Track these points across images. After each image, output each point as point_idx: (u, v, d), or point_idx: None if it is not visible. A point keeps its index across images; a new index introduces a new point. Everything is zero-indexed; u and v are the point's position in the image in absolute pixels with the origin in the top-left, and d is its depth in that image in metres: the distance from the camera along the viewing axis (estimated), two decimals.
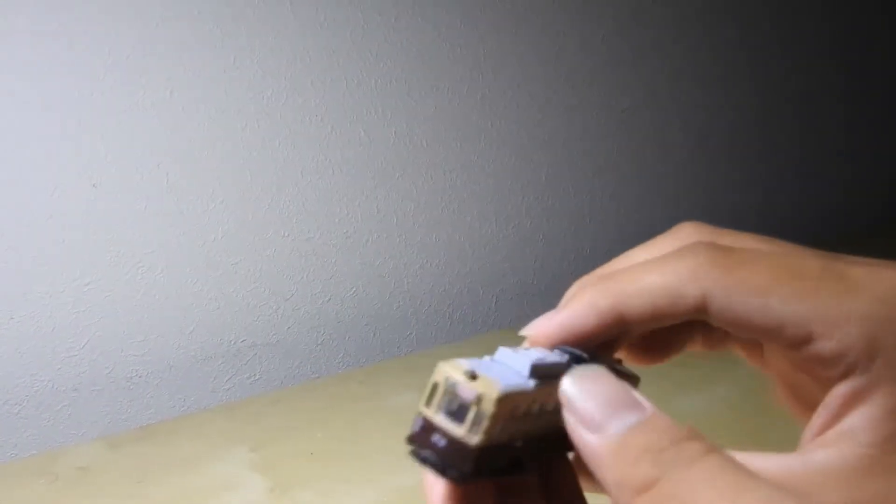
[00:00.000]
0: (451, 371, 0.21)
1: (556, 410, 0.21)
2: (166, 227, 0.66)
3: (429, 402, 0.21)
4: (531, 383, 0.21)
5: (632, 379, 0.25)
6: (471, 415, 0.20)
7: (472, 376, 0.20)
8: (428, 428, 0.21)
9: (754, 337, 0.23)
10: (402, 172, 0.80)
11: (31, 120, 0.59)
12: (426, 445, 0.21)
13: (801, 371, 0.24)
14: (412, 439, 0.21)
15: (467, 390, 0.20)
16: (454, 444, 0.20)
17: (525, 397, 0.21)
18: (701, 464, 0.19)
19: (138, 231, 0.65)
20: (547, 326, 0.24)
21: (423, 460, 0.21)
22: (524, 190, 0.89)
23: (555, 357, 0.23)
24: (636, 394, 0.21)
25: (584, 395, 0.21)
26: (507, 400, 0.20)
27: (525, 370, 0.21)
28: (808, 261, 0.23)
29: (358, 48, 0.75)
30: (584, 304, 0.24)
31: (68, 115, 0.61)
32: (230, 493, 0.46)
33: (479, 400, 0.20)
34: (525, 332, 0.25)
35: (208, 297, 0.69)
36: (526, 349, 0.23)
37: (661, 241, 0.26)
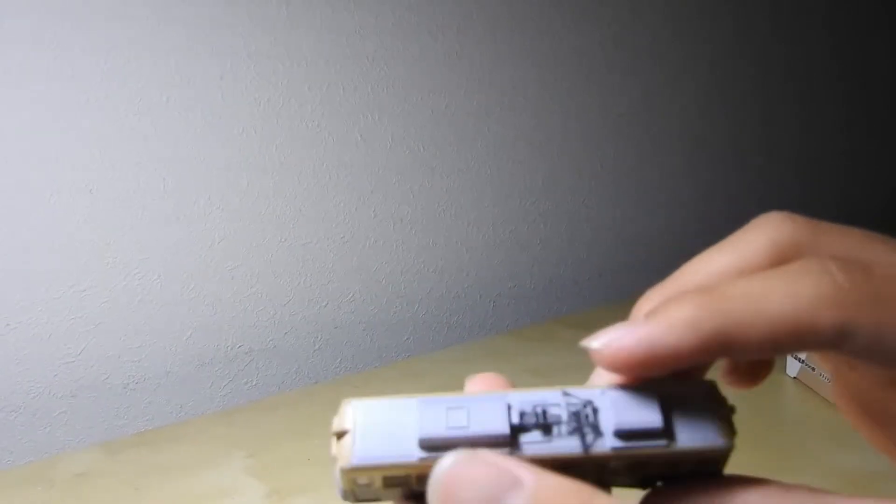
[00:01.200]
0: (344, 417, 0.20)
1: None
2: (163, 233, 0.66)
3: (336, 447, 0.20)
4: (416, 455, 0.18)
5: (725, 409, 0.20)
6: (336, 472, 0.19)
7: (340, 435, 0.19)
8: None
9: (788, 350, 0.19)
10: (399, 177, 0.80)
11: (27, 125, 0.59)
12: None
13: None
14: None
15: (332, 451, 0.19)
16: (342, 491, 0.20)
17: (400, 468, 0.19)
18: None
19: (135, 237, 0.65)
20: (626, 342, 0.19)
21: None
22: (521, 194, 0.89)
23: (555, 401, 0.19)
24: (516, 467, 0.17)
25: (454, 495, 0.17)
26: (361, 471, 0.19)
27: (415, 439, 0.19)
28: None
29: (354, 52, 0.75)
30: (681, 320, 0.19)
31: (65, 120, 0.61)
32: (227, 499, 0.46)
33: (335, 461, 0.19)
34: (592, 344, 0.19)
35: (205, 302, 0.69)
36: (521, 392, 0.19)
37: (749, 241, 0.21)
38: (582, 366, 0.22)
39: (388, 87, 0.78)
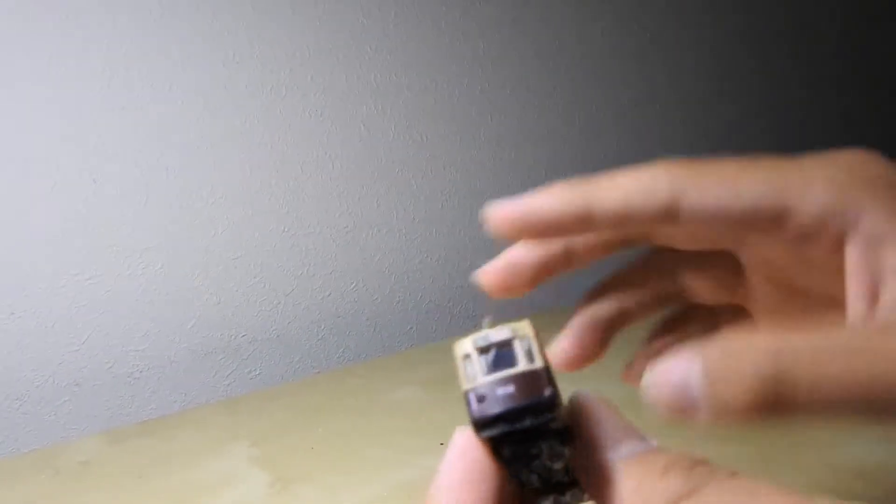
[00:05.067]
0: (472, 337, 0.20)
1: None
2: (166, 223, 0.66)
3: (469, 376, 0.19)
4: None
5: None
6: (520, 349, 0.19)
7: (492, 325, 0.20)
8: (482, 397, 0.19)
9: (732, 228, 0.23)
10: (402, 167, 0.80)
11: (30, 116, 0.59)
12: (494, 405, 0.18)
13: (795, 259, 0.24)
14: (480, 423, 0.19)
15: (501, 333, 0.19)
16: (524, 376, 0.19)
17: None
18: (737, 482, 0.17)
19: (138, 226, 0.65)
20: (510, 210, 0.24)
21: (502, 421, 0.18)
22: (524, 185, 0.89)
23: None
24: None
25: (602, 411, 0.19)
26: (542, 347, 0.19)
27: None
28: (768, 159, 0.24)
29: (357, 43, 0.75)
30: (551, 193, 0.24)
31: (68, 110, 0.60)
32: (231, 488, 0.46)
33: (515, 333, 0.19)
34: (487, 213, 0.25)
35: (209, 292, 0.69)
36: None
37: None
38: None
39: (391, 77, 0.78)
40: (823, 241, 0.23)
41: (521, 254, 0.26)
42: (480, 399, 0.19)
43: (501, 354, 0.19)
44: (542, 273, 0.26)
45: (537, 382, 0.19)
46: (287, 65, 0.71)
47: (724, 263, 0.27)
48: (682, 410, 0.19)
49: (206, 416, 0.58)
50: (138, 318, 0.66)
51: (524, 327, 0.20)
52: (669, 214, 0.23)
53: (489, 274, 0.27)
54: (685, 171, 0.24)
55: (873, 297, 0.22)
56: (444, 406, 0.55)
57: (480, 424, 0.19)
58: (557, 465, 0.20)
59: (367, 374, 0.65)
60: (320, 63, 0.73)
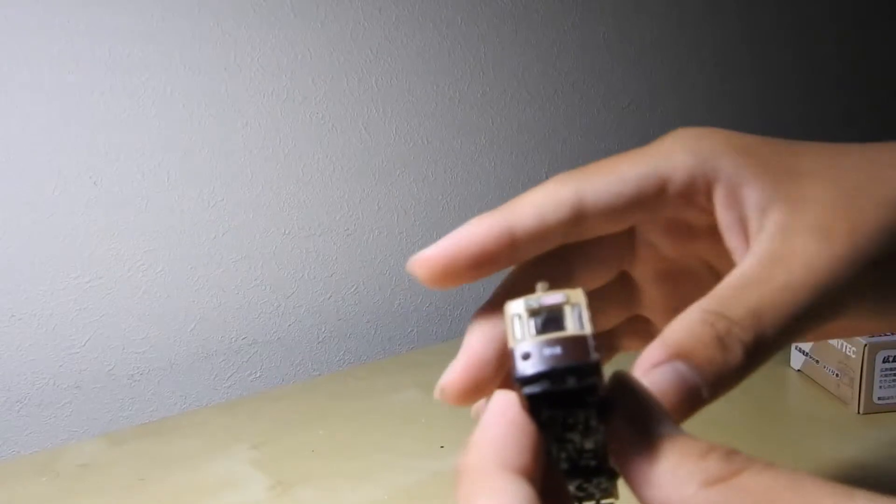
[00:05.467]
0: (524, 298, 0.20)
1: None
2: (167, 225, 0.66)
3: (517, 335, 0.20)
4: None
5: None
6: (570, 314, 0.20)
7: (546, 290, 0.20)
8: (528, 354, 0.19)
9: (628, 214, 0.26)
10: (403, 169, 0.80)
11: (31, 118, 0.59)
12: (540, 364, 0.19)
13: (679, 238, 0.28)
14: (523, 380, 0.19)
15: (554, 297, 0.20)
16: (570, 343, 0.19)
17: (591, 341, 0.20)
18: (776, 471, 0.18)
19: (139, 228, 0.65)
20: (435, 255, 0.26)
21: (552, 389, 0.19)
22: (525, 186, 0.89)
23: None
24: None
25: (643, 391, 0.20)
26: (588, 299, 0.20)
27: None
28: (634, 148, 0.28)
29: (358, 45, 0.75)
30: (470, 228, 0.26)
31: (68, 112, 0.61)
32: (231, 490, 0.46)
33: (568, 299, 0.20)
34: (411, 264, 0.26)
35: (209, 294, 0.69)
36: None
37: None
38: None
39: (392, 78, 0.78)
40: (698, 199, 0.26)
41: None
42: (525, 357, 0.19)
43: (552, 317, 0.20)
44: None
45: (584, 346, 0.19)
46: (288, 68, 0.71)
47: (619, 289, 0.30)
48: (692, 402, 0.21)
49: (206, 418, 0.58)
50: (139, 321, 0.66)
51: (577, 294, 0.20)
52: (578, 217, 0.25)
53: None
54: (578, 176, 0.26)
55: (745, 234, 0.25)
56: (444, 409, 0.55)
57: (523, 381, 0.19)
58: (589, 445, 0.20)
59: (368, 376, 0.65)
60: (322, 67, 0.73)
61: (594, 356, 0.19)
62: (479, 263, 0.25)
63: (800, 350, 0.61)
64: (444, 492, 0.44)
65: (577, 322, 0.19)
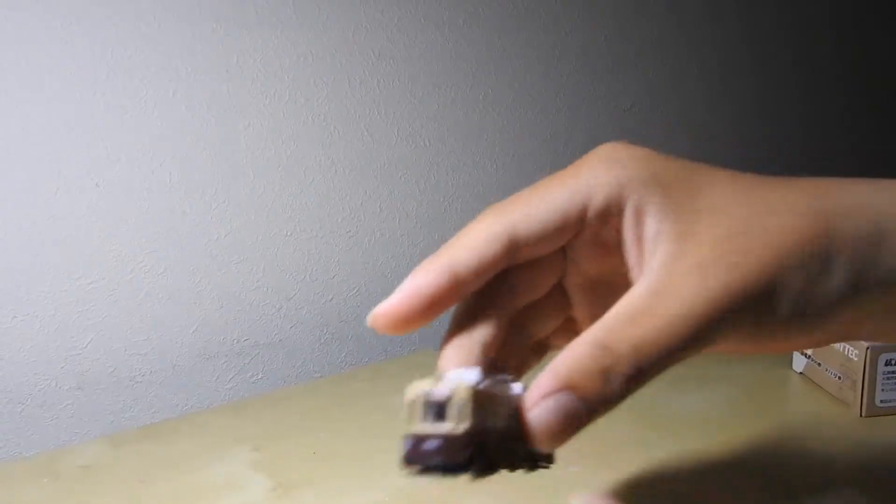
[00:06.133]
0: (419, 386, 0.24)
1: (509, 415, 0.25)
2: (169, 227, 0.66)
3: (410, 421, 0.24)
4: (485, 381, 0.25)
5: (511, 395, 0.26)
6: (452, 409, 0.23)
7: (438, 380, 0.24)
8: (418, 442, 0.23)
9: (556, 239, 0.29)
10: (405, 171, 0.80)
11: (33, 120, 0.59)
12: (420, 457, 0.23)
13: (599, 255, 0.31)
14: (407, 460, 0.23)
15: (441, 392, 0.23)
16: (447, 439, 0.23)
17: (492, 396, 0.24)
18: None
19: (141, 230, 0.65)
20: (391, 308, 0.29)
21: (425, 470, 0.23)
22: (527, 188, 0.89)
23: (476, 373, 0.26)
24: None
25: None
26: (477, 393, 0.23)
27: (475, 376, 0.25)
28: (553, 175, 0.31)
29: (360, 47, 0.75)
30: (416, 278, 0.30)
31: (71, 114, 0.61)
32: (232, 493, 0.46)
33: (454, 394, 0.23)
34: (371, 320, 0.30)
35: (211, 296, 0.69)
36: (458, 370, 0.26)
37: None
38: None
39: (394, 81, 0.78)
40: (613, 221, 0.29)
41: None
42: (411, 444, 0.23)
43: (438, 410, 0.23)
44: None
45: (456, 445, 0.23)
46: (290, 71, 0.71)
47: (555, 298, 0.33)
48: (574, 426, 0.25)
49: (208, 420, 0.58)
50: (140, 322, 0.66)
51: (462, 391, 0.23)
52: (512, 249, 0.29)
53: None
54: (509, 209, 0.30)
55: (641, 259, 0.28)
56: None
57: (406, 463, 0.24)
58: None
59: (370, 378, 0.65)
60: (323, 68, 0.73)
61: (462, 455, 0.23)
62: (430, 309, 0.28)
63: (801, 353, 0.61)
64: (445, 495, 0.44)
65: (458, 418, 0.23)
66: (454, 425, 0.23)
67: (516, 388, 0.26)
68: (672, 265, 0.27)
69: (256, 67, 0.69)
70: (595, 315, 0.28)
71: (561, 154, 0.92)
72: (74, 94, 0.60)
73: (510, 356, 0.32)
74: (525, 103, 0.88)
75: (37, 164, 0.60)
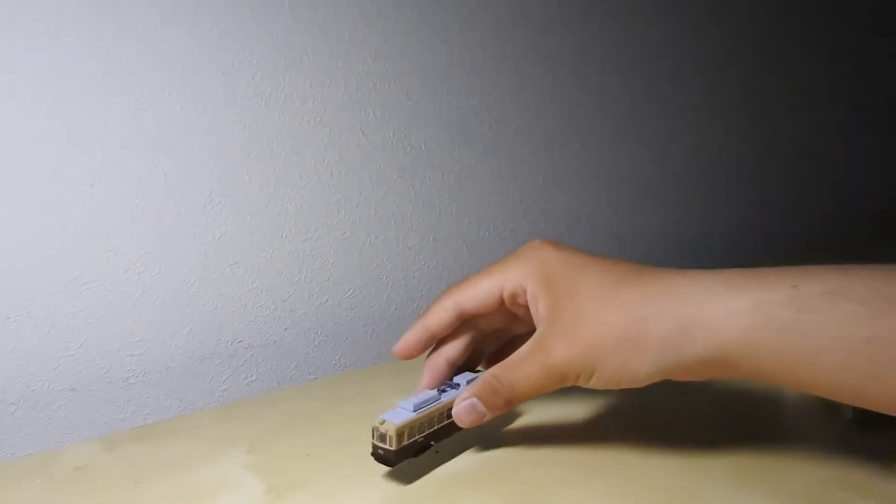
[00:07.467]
0: (376, 423, 0.46)
1: (442, 416, 0.48)
2: (164, 228, 0.66)
3: (372, 438, 0.46)
4: (414, 414, 0.46)
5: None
6: (388, 439, 0.45)
7: (382, 422, 0.45)
8: (376, 447, 0.46)
9: (487, 308, 0.49)
10: (401, 174, 0.80)
11: (28, 121, 0.59)
12: (377, 457, 0.46)
13: (510, 321, 0.51)
14: (374, 454, 0.46)
15: (382, 429, 0.45)
16: (386, 452, 0.45)
17: (411, 422, 0.46)
18: None
19: (136, 231, 0.65)
20: (415, 339, 0.51)
21: (377, 458, 0.46)
22: (521, 193, 0.89)
23: (432, 393, 0.49)
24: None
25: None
26: (400, 428, 0.45)
27: (411, 407, 0.46)
28: (494, 265, 0.49)
29: (356, 50, 0.75)
30: (429, 318, 0.51)
31: (66, 115, 0.61)
32: (226, 494, 0.46)
33: (387, 430, 0.45)
34: (397, 351, 0.51)
35: (205, 297, 0.69)
36: (417, 393, 0.49)
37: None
38: None
39: (390, 83, 0.78)
40: (519, 301, 0.48)
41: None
42: (373, 450, 0.46)
43: (381, 435, 0.45)
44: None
45: (391, 456, 0.45)
46: (286, 72, 0.71)
47: (501, 330, 0.53)
48: (477, 418, 0.47)
49: (201, 421, 0.58)
50: (134, 323, 0.66)
51: (391, 429, 0.45)
52: (461, 315, 0.49)
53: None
54: (460, 290, 0.49)
55: (534, 325, 0.47)
56: None
57: (373, 453, 0.46)
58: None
59: (364, 380, 0.65)
60: (319, 70, 0.73)
61: (393, 461, 0.45)
62: (421, 349, 0.51)
63: None
64: (440, 496, 0.44)
65: (390, 444, 0.45)
66: (387, 447, 0.45)
67: (460, 390, 0.49)
68: (542, 338, 0.45)
69: (252, 70, 0.69)
70: (506, 351, 0.49)
71: (557, 157, 0.92)
72: (69, 94, 0.60)
73: (473, 362, 0.53)
74: (520, 107, 0.88)
75: (31, 164, 0.60)
